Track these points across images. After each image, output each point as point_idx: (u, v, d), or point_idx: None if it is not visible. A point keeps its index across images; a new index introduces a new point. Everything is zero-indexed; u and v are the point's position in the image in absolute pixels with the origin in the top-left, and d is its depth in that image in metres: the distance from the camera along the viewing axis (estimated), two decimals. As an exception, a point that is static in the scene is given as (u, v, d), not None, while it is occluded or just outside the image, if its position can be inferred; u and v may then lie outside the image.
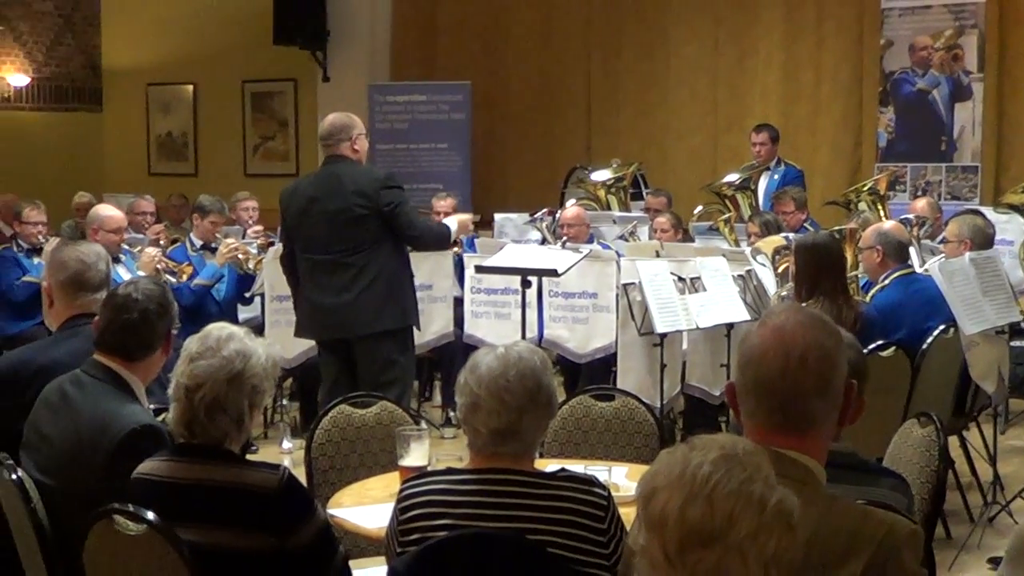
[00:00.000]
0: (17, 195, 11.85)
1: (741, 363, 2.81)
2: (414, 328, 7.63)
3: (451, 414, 9.33)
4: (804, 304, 6.40)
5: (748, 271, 8.47)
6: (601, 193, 11.44)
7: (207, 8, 16.11)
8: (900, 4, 12.64)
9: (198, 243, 9.63)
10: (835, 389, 2.77)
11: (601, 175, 11.68)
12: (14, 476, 4.13)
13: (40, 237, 9.85)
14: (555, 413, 3.75)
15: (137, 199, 11.55)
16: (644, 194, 12.06)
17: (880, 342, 6.64)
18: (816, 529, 2.51)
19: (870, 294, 7.52)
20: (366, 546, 4.70)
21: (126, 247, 9.14)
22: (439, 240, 7.80)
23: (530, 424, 3.54)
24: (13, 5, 16.24)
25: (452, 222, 7.85)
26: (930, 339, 6.97)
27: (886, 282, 7.37)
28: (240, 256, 9.37)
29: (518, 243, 8.87)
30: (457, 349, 9.24)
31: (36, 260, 9.48)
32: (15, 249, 9.91)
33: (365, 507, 4.49)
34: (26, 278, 9.43)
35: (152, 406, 4.38)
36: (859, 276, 7.90)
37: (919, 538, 2.70)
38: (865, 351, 6.30)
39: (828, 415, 2.78)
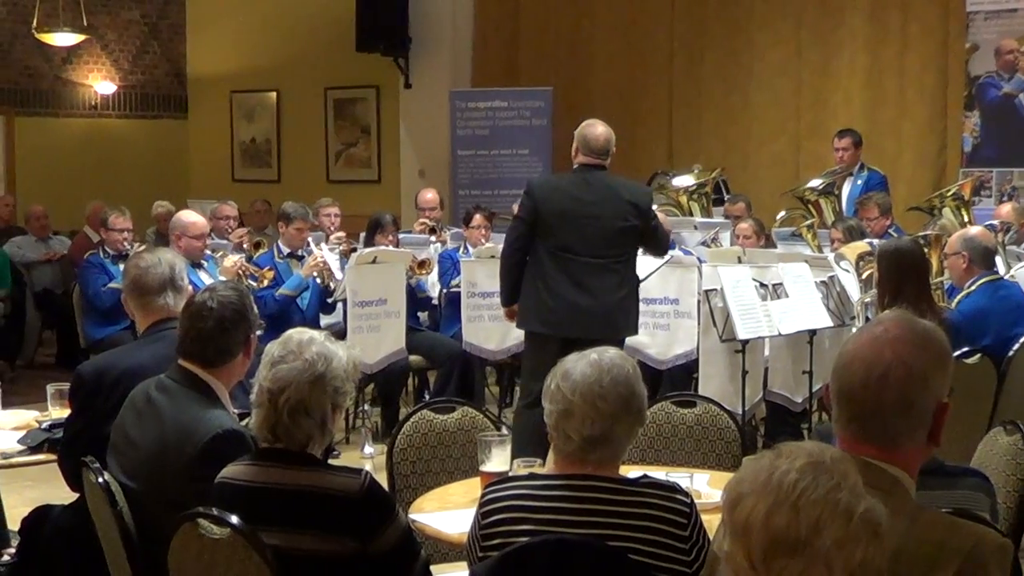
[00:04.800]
0: (104, 202, 11.99)
1: (833, 367, 2.78)
2: None
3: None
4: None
5: (831, 277, 8.41)
6: (683, 199, 11.38)
7: (290, 16, 16.23)
8: (986, 7, 12.48)
9: (285, 250, 9.69)
10: (919, 408, 2.70)
11: (683, 181, 11.63)
12: (100, 479, 4.18)
13: (125, 244, 9.94)
14: (645, 420, 3.74)
15: (220, 204, 11.68)
16: (724, 200, 12.00)
17: (966, 349, 6.56)
18: (903, 540, 2.47)
19: (956, 300, 7.43)
20: (447, 551, 4.70)
21: (209, 252, 9.22)
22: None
23: (622, 431, 3.53)
24: (100, 14, 16.44)
25: None
26: (1016, 346, 6.88)
27: (972, 288, 7.29)
28: (324, 272, 9.42)
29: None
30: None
31: (121, 266, 9.57)
32: (102, 255, 10.02)
33: (446, 512, 4.50)
34: (112, 284, 9.52)
35: (236, 411, 4.41)
36: (944, 282, 7.83)
37: (1007, 551, 2.64)
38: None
39: (911, 434, 2.71)
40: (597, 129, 7.67)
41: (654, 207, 7.87)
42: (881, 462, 2.66)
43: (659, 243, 7.83)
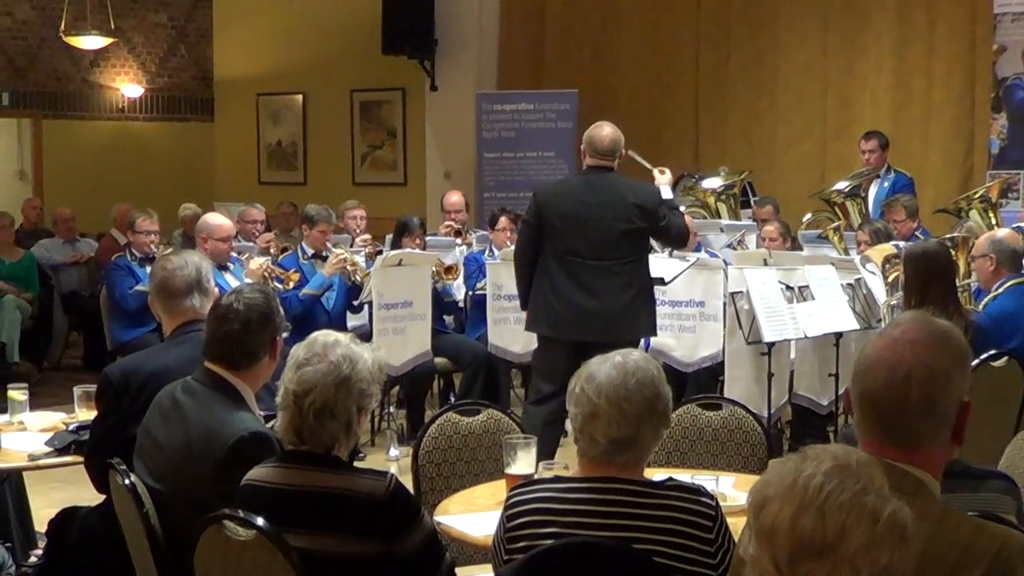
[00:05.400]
0: (131, 205, 12.03)
1: (854, 372, 2.77)
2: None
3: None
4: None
5: (857, 279, 8.39)
6: (711, 201, 11.37)
7: (317, 19, 16.27)
8: (1013, 9, 12.42)
9: (309, 252, 9.71)
10: (942, 409, 2.69)
11: (712, 183, 11.62)
12: (127, 481, 4.19)
13: (152, 246, 9.97)
14: (671, 422, 3.73)
15: (247, 207, 11.70)
16: (752, 203, 11.98)
17: (992, 352, 6.54)
18: (928, 543, 2.46)
19: (983, 303, 7.41)
20: (473, 553, 4.71)
21: (235, 255, 9.24)
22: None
23: (648, 433, 3.52)
24: (128, 17, 16.50)
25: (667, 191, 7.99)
26: (1044, 349, 6.86)
27: (999, 291, 7.26)
28: (348, 268, 9.43)
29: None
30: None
31: (148, 269, 9.58)
32: (128, 258, 10.05)
33: (472, 515, 4.50)
34: (138, 287, 9.53)
35: (261, 413, 4.42)
36: (971, 285, 7.80)
37: (1034, 553, 2.64)
38: (977, 361, 6.25)
39: (935, 435, 2.70)
40: (603, 130, 7.62)
41: (682, 207, 7.83)
42: (905, 464, 2.65)
43: (673, 239, 7.81)
